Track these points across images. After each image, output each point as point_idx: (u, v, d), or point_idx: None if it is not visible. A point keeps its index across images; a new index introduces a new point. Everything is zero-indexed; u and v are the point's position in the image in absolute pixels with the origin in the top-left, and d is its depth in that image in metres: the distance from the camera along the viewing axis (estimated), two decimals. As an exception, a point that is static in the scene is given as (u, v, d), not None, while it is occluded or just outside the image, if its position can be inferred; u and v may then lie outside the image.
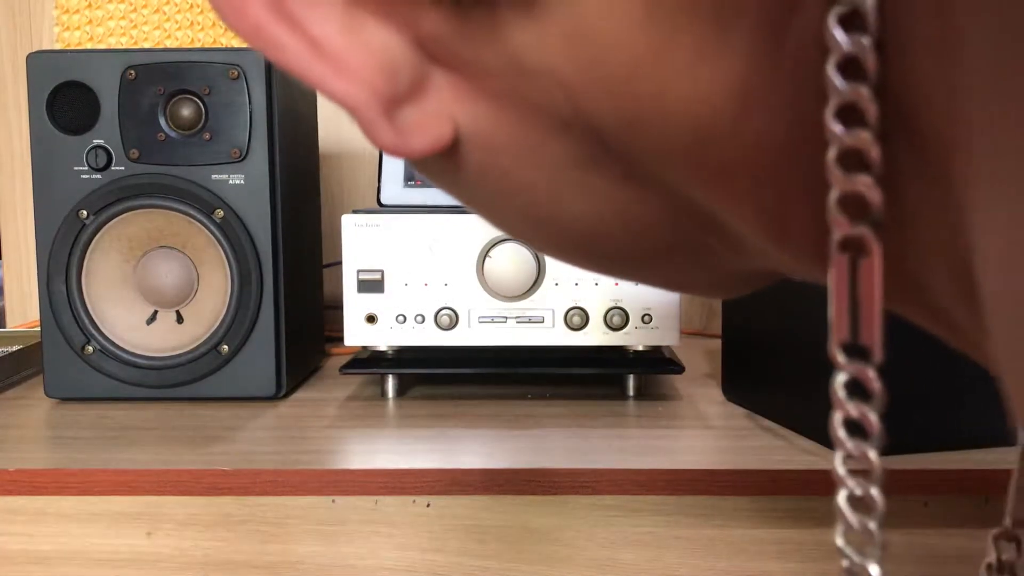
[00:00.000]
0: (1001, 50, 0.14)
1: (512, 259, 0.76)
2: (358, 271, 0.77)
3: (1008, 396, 0.16)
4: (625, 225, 0.21)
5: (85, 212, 0.77)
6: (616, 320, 0.76)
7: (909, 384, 0.62)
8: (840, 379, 0.17)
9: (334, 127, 1.13)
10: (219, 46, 1.08)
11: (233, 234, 0.77)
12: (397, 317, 0.77)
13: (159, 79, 0.76)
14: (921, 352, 0.61)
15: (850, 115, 0.16)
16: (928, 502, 0.59)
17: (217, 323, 0.78)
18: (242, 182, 0.76)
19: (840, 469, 0.18)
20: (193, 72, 0.76)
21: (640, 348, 0.79)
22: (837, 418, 0.17)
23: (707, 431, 0.69)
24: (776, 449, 0.64)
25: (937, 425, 0.62)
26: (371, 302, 0.77)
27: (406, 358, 0.80)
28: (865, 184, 0.16)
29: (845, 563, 0.18)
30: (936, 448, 0.62)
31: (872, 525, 0.18)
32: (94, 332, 0.78)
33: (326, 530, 0.61)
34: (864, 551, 0.18)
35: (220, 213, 0.76)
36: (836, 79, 0.16)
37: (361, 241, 0.77)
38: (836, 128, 0.16)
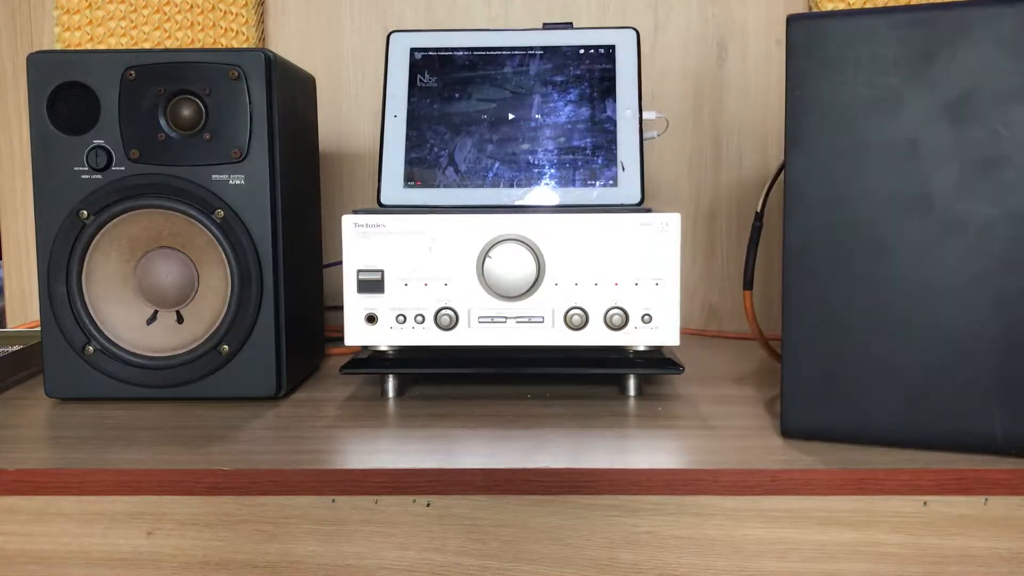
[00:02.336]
0: None
1: (512, 259, 0.76)
2: (358, 271, 0.77)
3: None
4: None
5: (85, 212, 0.77)
6: (616, 320, 0.76)
7: (910, 384, 0.62)
8: None
9: (334, 127, 1.13)
10: (219, 46, 1.08)
11: (233, 234, 0.77)
12: (397, 317, 0.77)
13: (159, 79, 0.76)
14: (929, 353, 0.61)
15: None
16: (928, 502, 0.59)
17: (217, 323, 0.78)
18: (242, 182, 0.77)
19: None
20: (193, 72, 0.76)
21: (640, 348, 0.79)
22: None
23: (707, 431, 0.69)
24: (776, 449, 0.64)
25: (938, 424, 0.62)
26: (371, 302, 0.77)
27: (406, 358, 0.80)
28: None
29: None
30: (936, 448, 0.62)
31: None
32: (94, 332, 0.78)
33: (326, 530, 0.61)
34: None
35: (220, 213, 0.76)
36: None
37: (361, 241, 0.77)
38: None
